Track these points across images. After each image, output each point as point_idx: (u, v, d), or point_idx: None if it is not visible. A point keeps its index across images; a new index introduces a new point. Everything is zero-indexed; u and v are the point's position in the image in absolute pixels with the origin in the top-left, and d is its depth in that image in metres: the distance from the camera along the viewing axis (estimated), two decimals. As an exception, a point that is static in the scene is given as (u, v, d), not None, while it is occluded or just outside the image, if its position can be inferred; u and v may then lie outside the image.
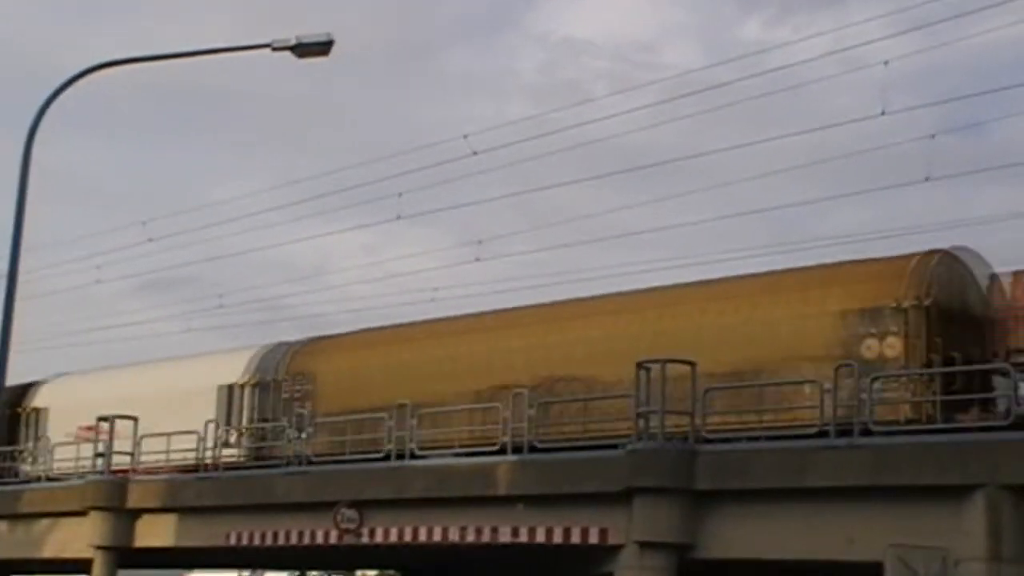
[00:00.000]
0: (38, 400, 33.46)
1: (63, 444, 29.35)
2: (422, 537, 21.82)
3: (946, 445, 16.08)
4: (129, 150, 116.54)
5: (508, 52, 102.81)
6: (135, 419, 27.67)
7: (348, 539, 22.77)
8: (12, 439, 31.50)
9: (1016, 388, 15.37)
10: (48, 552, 28.97)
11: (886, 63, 19.74)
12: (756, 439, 18.54)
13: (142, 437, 27.24)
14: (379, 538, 22.50)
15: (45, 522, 28.82)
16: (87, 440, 28.15)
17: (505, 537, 20.54)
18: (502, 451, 20.93)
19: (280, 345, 28.37)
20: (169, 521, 26.48)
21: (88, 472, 27.89)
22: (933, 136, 19.66)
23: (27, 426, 32.79)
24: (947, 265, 18.26)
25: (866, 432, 16.81)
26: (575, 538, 19.61)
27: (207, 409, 27.01)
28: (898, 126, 22.98)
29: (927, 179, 19.52)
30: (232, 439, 25.66)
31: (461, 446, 21.74)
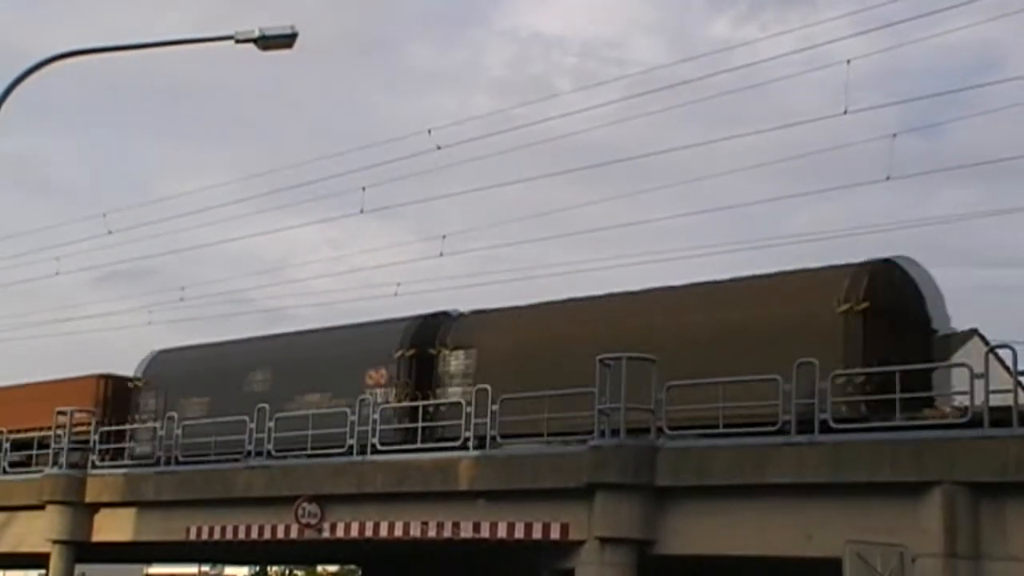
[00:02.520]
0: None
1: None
2: (383, 532, 21.78)
3: (903, 442, 16.22)
4: (89, 141, 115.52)
5: (475, 47, 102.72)
6: (94, 412, 27.48)
7: (309, 534, 22.69)
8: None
9: None
10: (4, 547, 28.68)
11: (848, 62, 19.85)
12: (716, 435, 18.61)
13: (100, 431, 27.07)
14: (340, 533, 22.44)
15: (1, 516, 28.53)
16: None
17: (466, 532, 20.54)
18: (463, 446, 20.92)
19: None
20: (128, 515, 26.28)
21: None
22: (894, 135, 19.82)
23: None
24: None
25: (826, 429, 16.94)
26: (536, 534, 19.64)
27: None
28: (861, 125, 23.15)
29: (888, 178, 19.68)
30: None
31: None
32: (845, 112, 20.02)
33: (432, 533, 21.02)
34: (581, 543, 18.96)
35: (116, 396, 29.01)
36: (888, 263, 18.91)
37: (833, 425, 16.90)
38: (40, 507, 26.86)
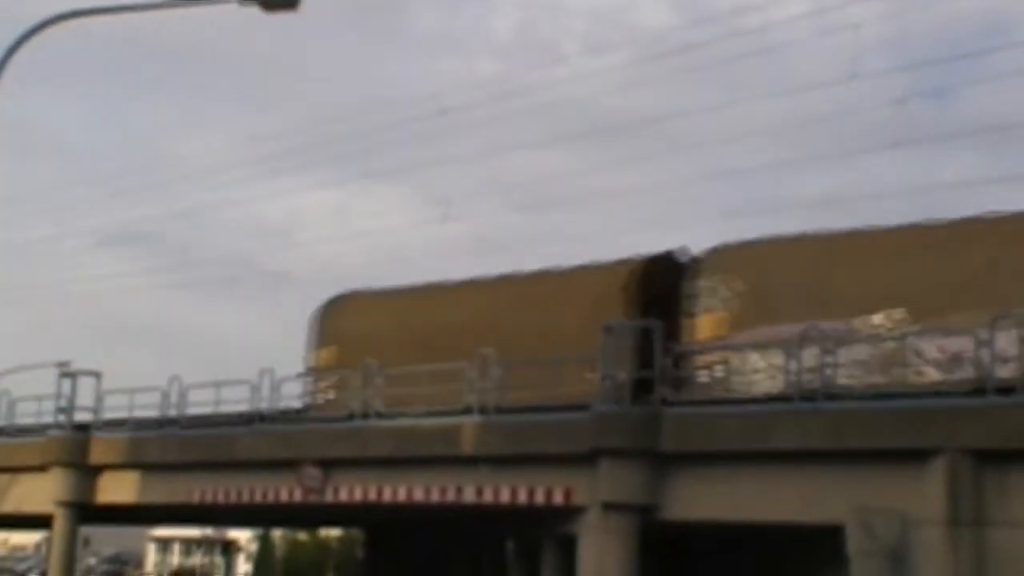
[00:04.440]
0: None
1: None
2: (386, 496, 21.84)
3: (906, 409, 16.23)
4: (93, 103, 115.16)
5: (482, 11, 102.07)
6: (98, 374, 27.49)
7: (312, 498, 22.76)
8: None
9: None
10: (8, 507, 28.78)
11: (857, 27, 19.77)
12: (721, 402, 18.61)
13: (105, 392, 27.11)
14: (343, 497, 22.50)
15: (5, 477, 28.60)
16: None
17: (469, 497, 20.59)
18: (467, 411, 20.94)
19: None
20: (132, 477, 26.36)
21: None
22: (902, 101, 19.74)
23: None
24: None
25: (830, 396, 16.94)
26: (539, 499, 19.69)
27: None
28: (868, 91, 22.99)
29: (895, 144, 19.63)
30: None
31: None
32: (853, 78, 19.93)
33: (435, 498, 21.07)
34: (584, 508, 19.01)
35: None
36: None
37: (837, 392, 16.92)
38: (44, 468, 26.95)
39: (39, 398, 27.92)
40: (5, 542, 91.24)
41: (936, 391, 16.48)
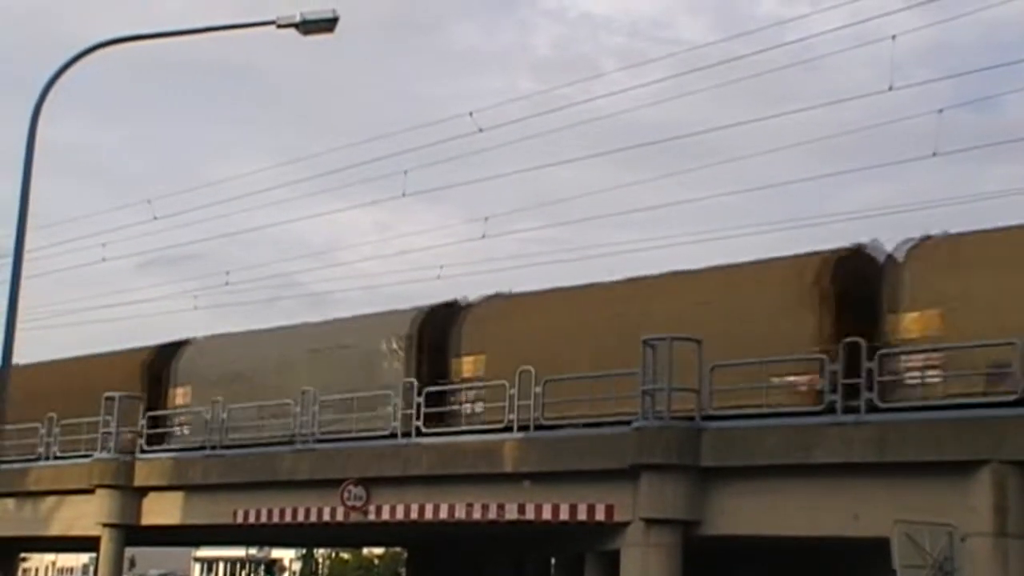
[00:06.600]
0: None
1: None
2: (428, 514, 21.86)
3: (951, 421, 16.06)
4: (135, 127, 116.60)
5: (521, 27, 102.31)
6: (142, 397, 27.65)
7: (355, 516, 22.82)
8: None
9: None
10: (56, 530, 29.08)
11: (893, 37, 19.62)
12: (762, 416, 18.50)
13: (148, 415, 27.30)
14: (386, 515, 22.54)
15: (53, 500, 28.92)
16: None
17: (511, 514, 20.57)
18: (508, 428, 20.93)
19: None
20: (176, 499, 26.56)
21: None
22: (940, 111, 19.54)
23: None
24: None
25: (872, 409, 16.80)
26: (581, 515, 19.64)
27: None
28: (907, 101, 22.81)
29: (934, 154, 19.43)
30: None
31: None
32: (890, 88, 19.77)
33: (477, 515, 21.06)
34: (626, 524, 18.94)
35: None
36: None
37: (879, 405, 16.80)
38: (90, 491, 27.20)
39: (84, 421, 28.18)
40: (54, 564, 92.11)
41: (982, 402, 16.29)
